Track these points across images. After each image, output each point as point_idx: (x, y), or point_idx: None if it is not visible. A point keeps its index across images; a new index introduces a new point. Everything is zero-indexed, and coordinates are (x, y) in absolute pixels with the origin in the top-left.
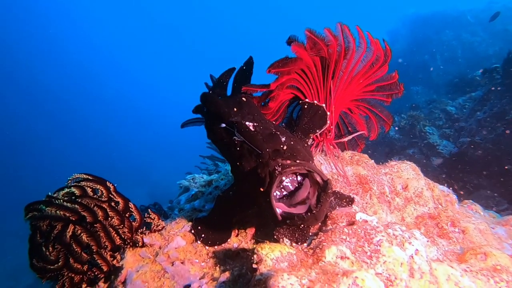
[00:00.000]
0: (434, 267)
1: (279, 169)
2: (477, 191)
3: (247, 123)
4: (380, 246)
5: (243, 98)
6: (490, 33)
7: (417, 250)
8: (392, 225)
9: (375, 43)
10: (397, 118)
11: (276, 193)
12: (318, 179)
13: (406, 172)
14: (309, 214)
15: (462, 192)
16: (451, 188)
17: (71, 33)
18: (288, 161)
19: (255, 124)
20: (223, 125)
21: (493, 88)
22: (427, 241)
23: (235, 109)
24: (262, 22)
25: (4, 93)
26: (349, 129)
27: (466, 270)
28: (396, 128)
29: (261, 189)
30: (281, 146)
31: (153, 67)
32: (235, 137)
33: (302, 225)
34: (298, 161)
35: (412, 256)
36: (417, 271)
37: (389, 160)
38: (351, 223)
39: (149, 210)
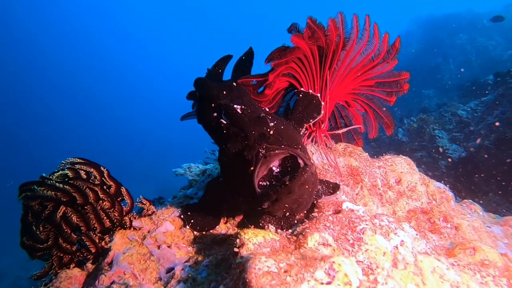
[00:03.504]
0: (419, 259)
1: (263, 151)
2: (486, 195)
3: (235, 105)
4: (363, 234)
5: (234, 83)
6: (506, 38)
7: (402, 241)
8: (379, 216)
9: (377, 37)
10: (407, 120)
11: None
12: (302, 163)
13: (400, 166)
14: (282, 186)
15: (469, 196)
16: (448, 186)
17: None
18: (273, 144)
19: (243, 107)
20: (215, 114)
21: (505, 92)
22: (416, 234)
23: (224, 92)
24: (273, 12)
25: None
26: (346, 123)
27: (454, 264)
28: (405, 131)
29: (251, 168)
30: (268, 129)
31: (171, 61)
32: (222, 119)
33: (278, 199)
34: (283, 146)
35: (396, 247)
36: (401, 261)
37: (384, 154)
38: (337, 212)
39: (141, 196)
